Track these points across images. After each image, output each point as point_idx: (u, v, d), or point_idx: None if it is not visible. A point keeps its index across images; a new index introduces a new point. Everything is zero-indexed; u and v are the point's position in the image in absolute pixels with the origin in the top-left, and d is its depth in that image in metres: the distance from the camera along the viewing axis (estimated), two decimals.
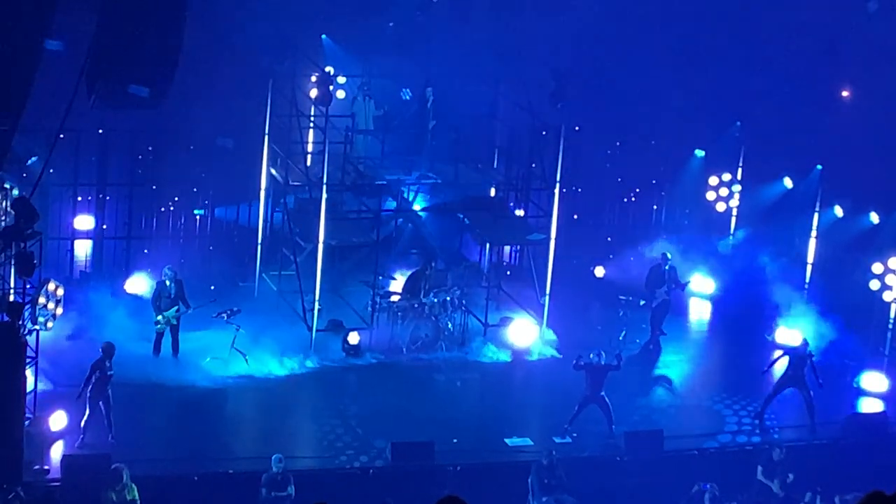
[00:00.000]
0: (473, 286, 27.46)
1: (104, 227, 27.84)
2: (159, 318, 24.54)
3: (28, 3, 19.38)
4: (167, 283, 24.69)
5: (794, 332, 27.00)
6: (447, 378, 25.47)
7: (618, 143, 31.17)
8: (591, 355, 23.24)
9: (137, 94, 19.89)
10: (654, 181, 31.73)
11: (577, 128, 28.68)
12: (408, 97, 27.48)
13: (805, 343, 24.58)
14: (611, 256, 30.39)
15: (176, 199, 28.49)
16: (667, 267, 27.22)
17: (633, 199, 31.87)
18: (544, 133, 27.62)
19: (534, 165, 27.91)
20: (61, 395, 22.16)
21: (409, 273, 26.79)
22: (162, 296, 24.66)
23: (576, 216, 30.91)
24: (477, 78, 27.29)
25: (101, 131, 26.99)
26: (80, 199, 27.53)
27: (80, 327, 24.50)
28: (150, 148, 27.81)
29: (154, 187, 28.20)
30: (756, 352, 27.14)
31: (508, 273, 29.06)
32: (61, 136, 21.81)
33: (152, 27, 19.74)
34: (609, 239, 30.98)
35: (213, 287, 26.67)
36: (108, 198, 27.89)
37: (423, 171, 27.29)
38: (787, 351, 24.67)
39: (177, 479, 21.17)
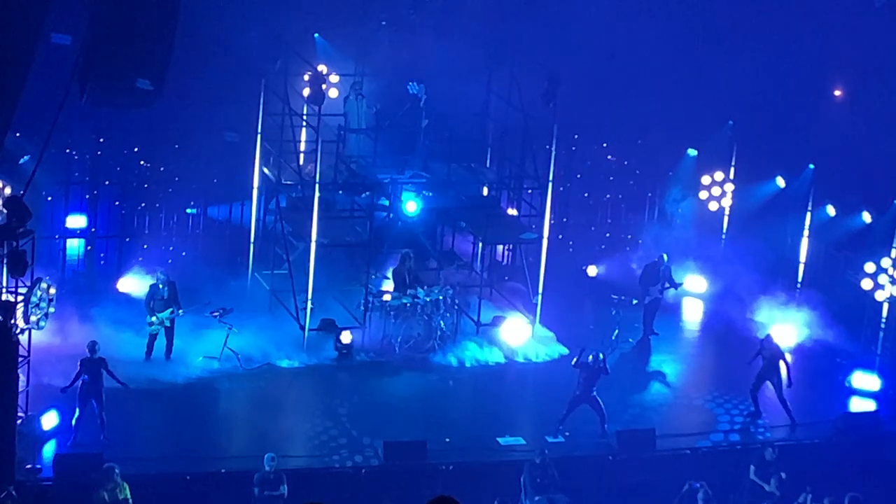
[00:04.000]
0: (466, 285, 27.45)
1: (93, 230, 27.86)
2: (153, 319, 24.50)
3: (21, 2, 19.35)
4: (160, 285, 24.64)
5: (786, 329, 27.08)
6: (440, 377, 25.46)
7: (610, 142, 31.17)
8: (590, 357, 23.22)
9: (142, 88, 19.85)
10: (646, 180, 31.70)
11: (576, 136, 29.00)
12: (415, 91, 27.39)
13: (768, 337, 24.59)
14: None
15: (168, 198, 28.42)
16: (662, 267, 27.31)
17: (625, 198, 31.84)
18: (536, 132, 27.60)
19: (534, 164, 27.83)
20: (54, 395, 22.12)
21: (391, 271, 26.73)
22: (155, 298, 24.60)
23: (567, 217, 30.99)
24: (469, 77, 27.29)
25: (93, 130, 26.95)
26: (72, 197, 27.49)
27: (72, 326, 24.45)
28: (142, 147, 27.75)
29: (146, 186, 28.14)
30: (748, 351, 27.12)
31: (507, 278, 28.98)
32: (52, 134, 21.75)
33: (144, 27, 19.72)
34: (603, 246, 31.04)
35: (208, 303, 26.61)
36: (100, 197, 27.84)
37: (415, 170, 27.26)
38: (760, 345, 24.68)
39: (169, 478, 21.18)
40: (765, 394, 24.61)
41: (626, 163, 31.41)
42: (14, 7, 19.19)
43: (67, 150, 26.86)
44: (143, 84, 19.89)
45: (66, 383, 21.89)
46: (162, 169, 28.04)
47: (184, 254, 28.17)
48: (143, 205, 28.21)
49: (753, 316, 28.16)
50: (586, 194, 31.34)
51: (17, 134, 23.86)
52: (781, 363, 24.31)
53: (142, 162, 27.88)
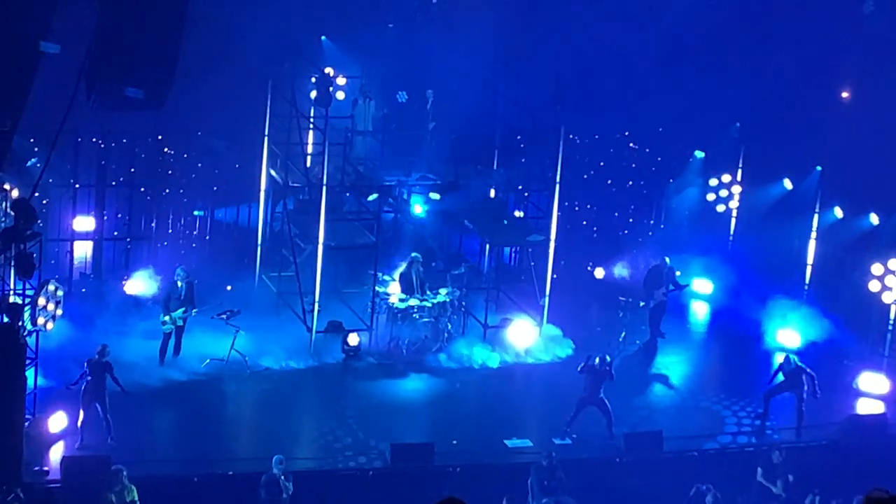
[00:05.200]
0: (473, 287, 27.45)
1: (110, 217, 27.86)
2: (166, 318, 24.47)
3: (27, 3, 19.37)
4: (179, 283, 24.63)
5: (792, 334, 27.07)
6: (446, 379, 25.47)
7: (618, 143, 31.16)
8: (597, 360, 23.21)
9: (134, 98, 19.87)
10: (653, 182, 31.68)
11: (574, 138, 29.00)
12: (403, 100, 27.44)
13: (787, 359, 24.44)
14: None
15: (176, 200, 28.45)
16: (665, 270, 27.28)
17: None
18: (544, 134, 27.59)
19: (541, 166, 27.83)
20: (61, 397, 22.15)
21: (398, 274, 26.74)
22: (172, 296, 24.59)
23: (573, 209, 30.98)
24: (476, 79, 27.28)
25: (100, 133, 26.98)
26: (79, 200, 27.51)
27: (78, 328, 24.47)
28: (149, 148, 27.78)
29: (154, 189, 28.16)
30: (755, 353, 27.16)
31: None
32: (60, 136, 21.78)
33: (151, 28, 19.70)
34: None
35: (229, 287, 26.62)
36: (107, 199, 27.86)
37: (422, 173, 27.28)
38: (779, 367, 24.54)
39: (176, 480, 21.18)
40: (777, 398, 24.54)
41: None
42: (18, 9, 19.21)
43: (75, 153, 26.87)
44: (133, 93, 19.89)
45: (70, 385, 21.93)
46: (169, 171, 28.06)
47: (193, 246, 28.23)
48: (150, 208, 28.23)
49: (760, 318, 28.12)
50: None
51: (25, 136, 23.92)
52: (804, 378, 24.17)
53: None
